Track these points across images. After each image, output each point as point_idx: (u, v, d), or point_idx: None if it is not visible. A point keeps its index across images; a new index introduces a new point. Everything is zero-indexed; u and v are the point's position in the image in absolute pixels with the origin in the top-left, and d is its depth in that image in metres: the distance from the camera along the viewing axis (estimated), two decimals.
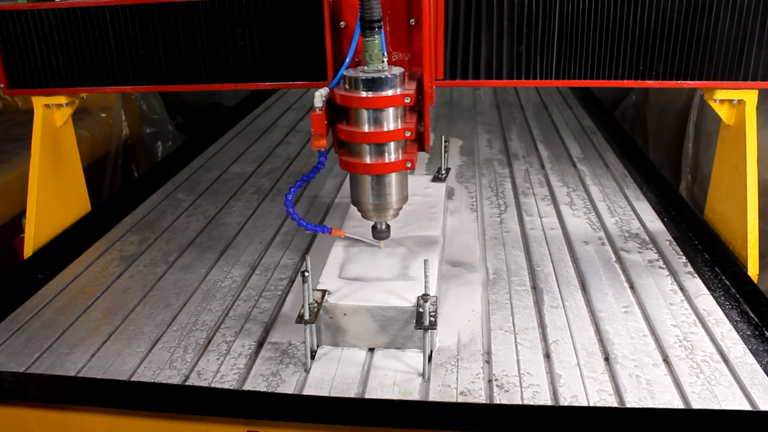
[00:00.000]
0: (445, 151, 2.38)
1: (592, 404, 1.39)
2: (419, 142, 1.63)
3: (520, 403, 1.41)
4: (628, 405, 1.39)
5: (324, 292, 1.59)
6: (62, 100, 2.13)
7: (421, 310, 1.49)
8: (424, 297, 1.45)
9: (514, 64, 1.85)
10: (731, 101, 1.96)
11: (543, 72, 1.86)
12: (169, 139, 4.69)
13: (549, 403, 1.41)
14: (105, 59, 1.98)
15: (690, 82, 1.85)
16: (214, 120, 3.89)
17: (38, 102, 2.13)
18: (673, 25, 1.79)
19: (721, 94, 1.94)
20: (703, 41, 1.80)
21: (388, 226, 1.74)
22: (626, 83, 1.86)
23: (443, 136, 2.39)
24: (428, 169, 2.74)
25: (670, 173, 3.61)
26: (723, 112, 2.00)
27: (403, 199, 1.69)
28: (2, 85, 2.06)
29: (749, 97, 1.93)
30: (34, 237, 2.12)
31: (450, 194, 2.48)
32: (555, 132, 3.25)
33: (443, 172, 2.36)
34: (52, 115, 2.17)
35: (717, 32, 1.79)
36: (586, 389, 1.44)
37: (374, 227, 1.74)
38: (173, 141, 4.69)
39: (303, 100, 3.98)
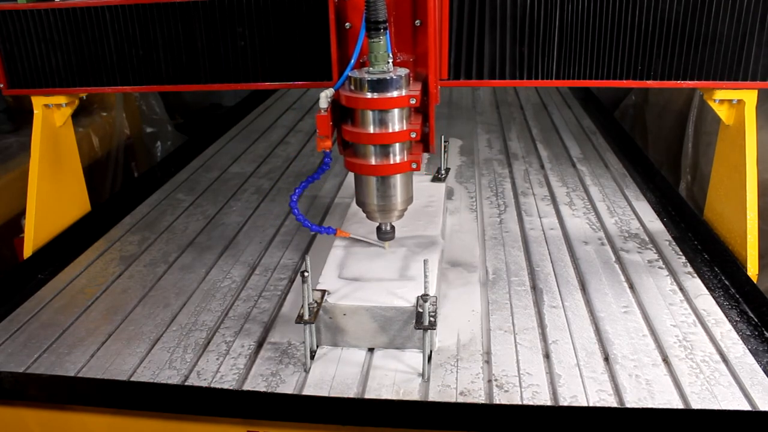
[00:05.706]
0: (444, 151, 2.38)
1: (591, 404, 1.40)
2: (424, 143, 1.63)
3: (520, 403, 1.41)
4: (628, 405, 1.39)
5: (324, 292, 1.59)
6: (62, 100, 2.13)
7: (420, 310, 1.49)
8: (424, 297, 1.45)
9: (516, 64, 1.85)
10: (731, 101, 1.96)
11: (544, 72, 1.86)
12: (168, 139, 4.69)
13: (548, 403, 1.41)
14: (105, 59, 1.98)
15: (690, 82, 1.85)
16: (214, 120, 3.89)
17: (38, 102, 2.13)
18: (673, 25, 1.79)
19: (720, 94, 1.94)
20: (702, 41, 1.80)
21: (392, 227, 1.73)
22: (626, 83, 1.86)
23: (443, 136, 2.39)
24: (428, 169, 2.73)
25: (669, 173, 3.61)
26: (722, 112, 2.00)
27: (408, 200, 1.68)
28: (2, 85, 2.06)
29: (749, 97, 1.93)
30: (33, 237, 2.12)
31: (450, 194, 2.48)
32: (555, 132, 3.24)
33: (443, 172, 2.36)
34: (51, 115, 2.17)
35: (717, 32, 1.79)
36: (585, 389, 1.44)
37: (379, 228, 1.73)
38: (173, 141, 4.68)
39: (302, 100, 3.98)
